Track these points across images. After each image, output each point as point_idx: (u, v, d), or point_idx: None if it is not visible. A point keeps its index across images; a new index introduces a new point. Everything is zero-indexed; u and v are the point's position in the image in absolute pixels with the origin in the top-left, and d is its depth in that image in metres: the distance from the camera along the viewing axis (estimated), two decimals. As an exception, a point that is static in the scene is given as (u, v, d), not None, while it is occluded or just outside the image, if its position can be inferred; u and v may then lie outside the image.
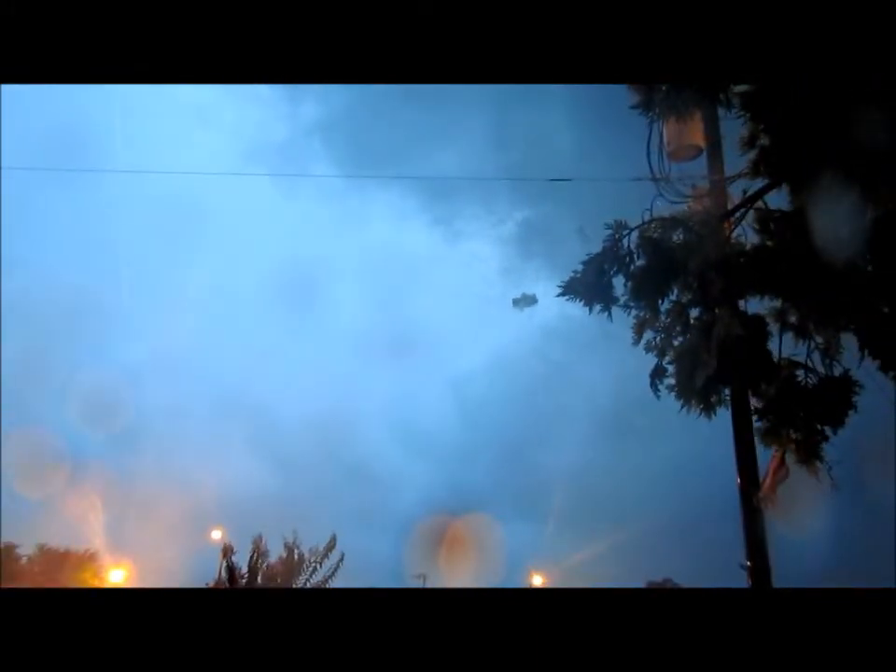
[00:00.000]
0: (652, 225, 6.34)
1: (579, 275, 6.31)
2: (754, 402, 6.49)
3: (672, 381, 6.31)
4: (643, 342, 6.49)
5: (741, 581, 6.62)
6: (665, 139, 7.57)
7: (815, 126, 5.15)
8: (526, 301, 6.57)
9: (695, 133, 7.66)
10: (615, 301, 6.36)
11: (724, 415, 6.90)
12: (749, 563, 6.62)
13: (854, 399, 5.93)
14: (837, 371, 6.12)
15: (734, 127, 6.08)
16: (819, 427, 6.00)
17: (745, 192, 6.32)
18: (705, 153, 7.64)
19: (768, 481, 6.56)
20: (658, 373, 6.41)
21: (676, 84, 5.49)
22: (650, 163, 7.31)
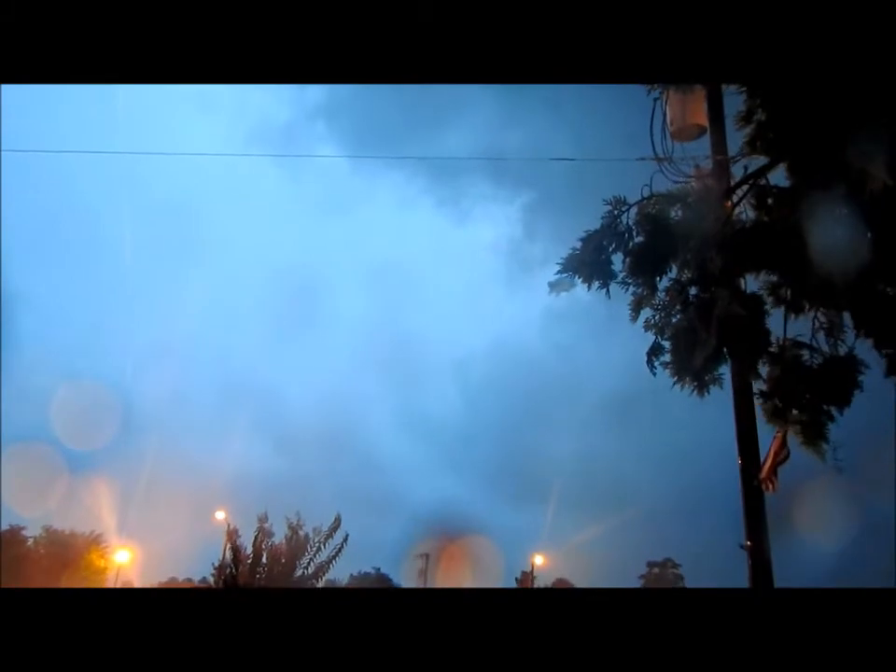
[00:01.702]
0: (652, 201, 6.29)
1: (577, 252, 6.27)
2: (757, 385, 6.44)
3: (668, 358, 6.25)
4: (641, 319, 6.42)
5: (741, 560, 6.64)
6: (668, 119, 7.57)
7: (812, 102, 5.09)
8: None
9: (698, 113, 7.67)
10: (614, 277, 6.30)
11: (727, 399, 6.89)
12: (748, 542, 6.64)
13: (860, 379, 5.86)
14: (843, 351, 6.06)
15: (737, 106, 6.02)
16: (824, 407, 5.94)
17: (745, 169, 6.28)
18: (708, 133, 7.65)
19: (769, 462, 6.57)
20: (655, 351, 6.35)
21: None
22: (653, 143, 7.31)
